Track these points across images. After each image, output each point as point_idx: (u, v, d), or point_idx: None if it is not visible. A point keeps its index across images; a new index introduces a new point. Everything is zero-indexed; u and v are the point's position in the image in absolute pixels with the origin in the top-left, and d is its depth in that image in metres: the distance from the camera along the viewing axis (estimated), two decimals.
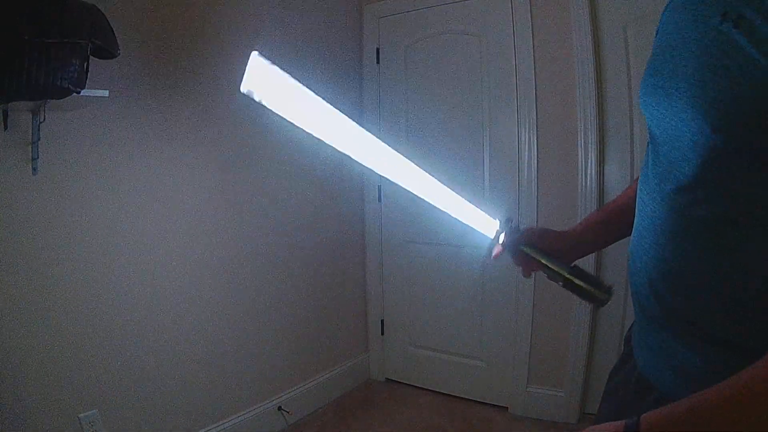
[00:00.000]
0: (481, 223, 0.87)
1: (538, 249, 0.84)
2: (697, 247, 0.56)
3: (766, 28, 0.47)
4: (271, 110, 0.67)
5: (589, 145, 2.15)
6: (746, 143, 0.50)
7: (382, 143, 0.78)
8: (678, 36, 0.59)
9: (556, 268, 0.82)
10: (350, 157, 0.78)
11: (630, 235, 0.85)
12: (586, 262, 2.13)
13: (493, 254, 0.87)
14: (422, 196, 0.81)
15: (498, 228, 0.86)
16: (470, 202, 0.85)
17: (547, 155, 2.26)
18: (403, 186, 0.80)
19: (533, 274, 0.89)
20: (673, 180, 0.59)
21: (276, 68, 0.67)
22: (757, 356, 0.49)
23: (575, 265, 0.82)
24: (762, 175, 0.51)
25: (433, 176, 0.81)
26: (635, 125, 2.10)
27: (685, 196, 0.57)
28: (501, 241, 0.86)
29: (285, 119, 0.70)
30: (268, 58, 0.68)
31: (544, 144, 2.26)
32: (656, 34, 0.70)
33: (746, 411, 0.46)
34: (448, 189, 0.83)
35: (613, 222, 0.87)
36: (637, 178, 0.86)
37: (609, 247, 0.91)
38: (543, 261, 0.83)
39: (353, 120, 0.77)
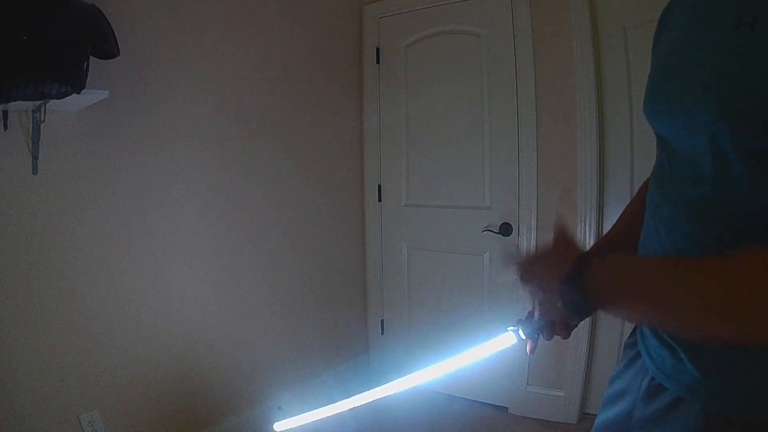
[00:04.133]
0: (500, 343, 0.86)
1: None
2: (718, 249, 0.56)
3: None
4: None
5: (589, 145, 2.15)
6: (766, 143, 0.50)
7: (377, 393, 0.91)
8: (687, 42, 0.59)
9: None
10: None
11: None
12: None
13: (529, 350, 0.85)
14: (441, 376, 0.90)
15: (514, 332, 0.84)
16: (478, 342, 0.89)
17: (547, 155, 2.26)
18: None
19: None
20: (692, 184, 0.58)
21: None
22: None
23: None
24: None
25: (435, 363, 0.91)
26: (635, 126, 2.10)
27: (705, 199, 0.57)
28: (523, 335, 0.84)
29: None
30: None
31: (544, 144, 2.26)
32: (654, 45, 0.69)
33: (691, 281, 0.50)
34: (453, 359, 0.90)
35: (615, 249, 0.86)
36: (632, 201, 0.87)
37: None
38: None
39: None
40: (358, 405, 0.91)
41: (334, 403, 0.93)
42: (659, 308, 0.55)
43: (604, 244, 0.90)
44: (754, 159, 0.51)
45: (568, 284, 0.60)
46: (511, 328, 0.85)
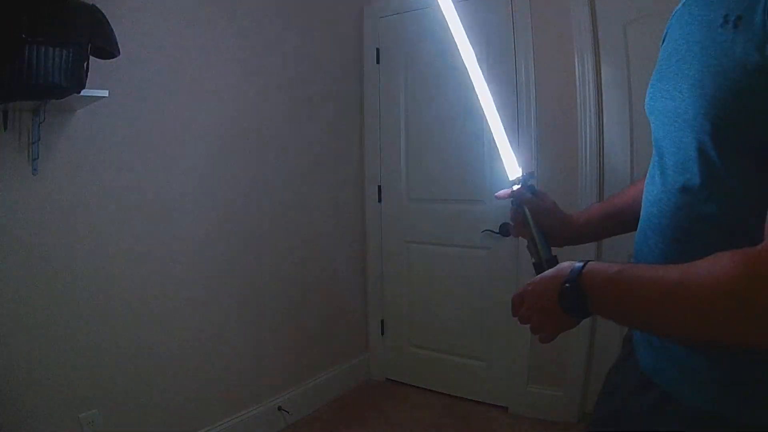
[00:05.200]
0: (508, 161, 0.88)
1: (536, 220, 0.84)
2: (704, 246, 0.56)
3: (761, 24, 0.47)
4: None
5: (589, 144, 2.15)
6: (748, 140, 0.51)
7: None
8: (683, 42, 0.60)
9: (539, 248, 0.82)
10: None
11: (624, 233, 0.86)
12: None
13: (499, 194, 0.89)
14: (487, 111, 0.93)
15: (518, 176, 0.87)
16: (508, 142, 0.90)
17: (546, 154, 2.26)
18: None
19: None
20: (679, 180, 0.59)
21: None
22: (759, 354, 0.51)
23: (555, 256, 0.81)
24: (765, 173, 0.51)
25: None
26: (635, 125, 2.10)
27: (692, 195, 0.58)
28: (513, 188, 0.87)
29: None
30: None
31: (544, 143, 2.26)
32: (662, 42, 0.70)
33: (682, 296, 0.49)
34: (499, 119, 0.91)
35: (613, 218, 0.88)
36: (642, 177, 0.87)
37: (612, 248, 0.92)
38: (534, 234, 0.83)
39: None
40: None
41: None
42: (636, 316, 0.56)
43: (596, 216, 0.92)
44: (735, 158, 0.53)
45: (566, 289, 0.60)
46: (520, 176, 0.87)
